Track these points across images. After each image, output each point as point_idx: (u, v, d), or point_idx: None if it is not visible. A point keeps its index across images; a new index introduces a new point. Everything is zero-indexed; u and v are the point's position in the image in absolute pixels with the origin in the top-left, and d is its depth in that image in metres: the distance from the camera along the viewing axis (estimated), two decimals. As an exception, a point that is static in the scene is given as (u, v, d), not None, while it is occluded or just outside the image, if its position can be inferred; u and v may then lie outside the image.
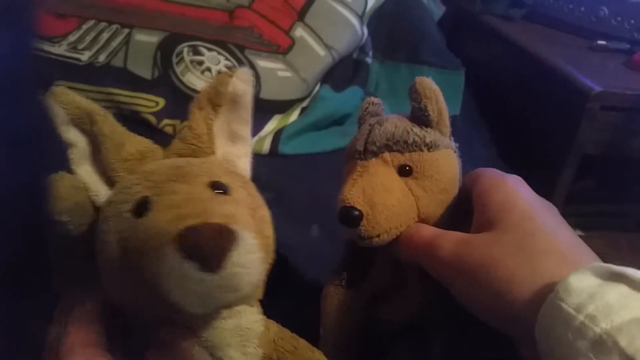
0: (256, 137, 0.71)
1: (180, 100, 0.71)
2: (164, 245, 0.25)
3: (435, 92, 0.37)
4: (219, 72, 0.71)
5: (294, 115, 0.75)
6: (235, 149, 0.37)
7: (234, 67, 0.35)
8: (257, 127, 0.70)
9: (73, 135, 0.32)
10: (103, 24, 0.72)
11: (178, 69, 0.72)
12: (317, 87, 0.77)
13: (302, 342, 0.35)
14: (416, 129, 0.37)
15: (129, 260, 0.28)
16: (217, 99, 0.35)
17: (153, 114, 0.70)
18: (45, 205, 0.21)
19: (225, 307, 0.30)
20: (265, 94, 0.72)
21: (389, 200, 0.36)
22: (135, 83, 0.71)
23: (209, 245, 0.25)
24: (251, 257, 0.27)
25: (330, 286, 0.43)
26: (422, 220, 0.37)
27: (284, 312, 0.37)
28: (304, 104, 0.76)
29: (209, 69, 0.72)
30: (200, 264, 0.25)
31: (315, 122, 0.73)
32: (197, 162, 0.33)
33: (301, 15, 0.75)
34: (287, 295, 0.40)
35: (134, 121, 0.70)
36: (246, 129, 0.37)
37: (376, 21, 0.84)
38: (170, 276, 0.25)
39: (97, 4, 0.73)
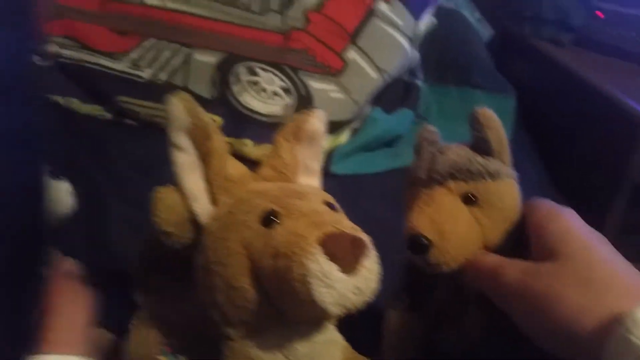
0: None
1: (236, 119, 0.73)
2: (310, 247, 0.28)
3: (497, 122, 0.39)
4: (275, 93, 0.74)
5: (345, 136, 0.77)
6: (308, 180, 0.40)
7: (311, 108, 0.39)
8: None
9: (184, 142, 0.35)
10: (164, 43, 0.75)
11: (235, 89, 0.74)
12: (368, 109, 0.78)
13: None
14: (479, 159, 0.38)
15: (259, 264, 0.31)
16: (297, 134, 0.39)
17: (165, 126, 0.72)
18: (42, 204, 0.21)
19: (327, 320, 0.34)
20: (317, 114, 0.74)
21: (457, 228, 0.37)
22: (195, 101, 0.73)
23: (348, 250, 0.29)
24: (376, 266, 0.30)
25: (391, 310, 0.44)
26: (486, 248, 0.38)
27: (344, 334, 0.38)
28: (355, 124, 0.78)
29: (264, 89, 0.74)
30: (341, 266, 0.28)
31: (366, 143, 0.74)
32: (305, 185, 0.37)
33: (354, 38, 0.77)
34: (346, 318, 0.42)
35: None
36: (318, 164, 0.41)
37: (427, 44, 0.86)
38: (314, 275, 0.28)
39: (159, 22, 0.76)
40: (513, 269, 0.35)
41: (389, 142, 0.77)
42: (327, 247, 0.28)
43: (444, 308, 0.43)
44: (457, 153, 0.39)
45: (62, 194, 0.39)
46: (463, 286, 0.40)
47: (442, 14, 0.90)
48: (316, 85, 0.75)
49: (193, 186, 0.35)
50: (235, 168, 0.37)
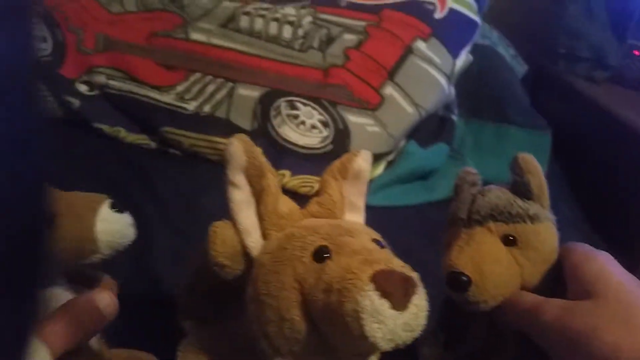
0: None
1: (275, 151, 0.76)
2: (362, 284, 0.30)
3: (537, 167, 0.40)
4: (313, 126, 0.76)
5: (380, 168, 0.78)
6: (352, 217, 0.42)
7: (358, 151, 0.41)
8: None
9: (240, 180, 0.37)
10: (209, 77, 0.79)
11: (275, 122, 0.77)
12: (403, 142, 0.80)
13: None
14: (519, 202, 0.40)
15: (310, 297, 0.32)
16: (343, 172, 0.40)
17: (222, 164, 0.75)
18: (41, 210, 0.21)
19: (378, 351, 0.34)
20: (354, 147, 0.76)
21: (496, 268, 0.38)
22: (236, 133, 0.76)
23: (399, 287, 0.30)
24: (424, 304, 0.31)
25: (426, 347, 0.45)
26: (523, 288, 0.39)
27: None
28: (390, 157, 0.79)
29: (303, 123, 0.77)
30: (391, 303, 0.29)
31: (401, 175, 0.76)
32: (354, 223, 0.38)
33: (391, 75, 0.79)
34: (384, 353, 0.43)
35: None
36: (362, 202, 0.42)
37: (463, 79, 0.87)
38: (367, 310, 0.29)
39: (204, 58, 0.80)
40: (551, 306, 0.36)
41: (423, 176, 0.78)
42: (379, 284, 0.29)
43: (479, 346, 0.44)
44: (498, 196, 0.41)
45: (124, 227, 0.39)
46: (499, 325, 0.41)
47: (478, 51, 0.92)
48: (353, 119, 0.77)
49: (247, 221, 0.37)
50: (286, 204, 0.39)
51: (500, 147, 0.83)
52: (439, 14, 0.85)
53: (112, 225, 0.38)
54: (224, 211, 0.69)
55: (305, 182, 0.73)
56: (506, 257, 0.39)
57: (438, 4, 0.86)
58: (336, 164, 0.41)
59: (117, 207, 0.39)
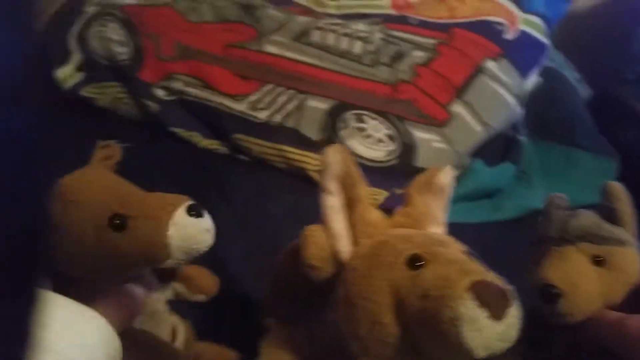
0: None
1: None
2: (461, 293, 0.31)
3: (626, 196, 0.43)
4: (379, 140, 0.78)
5: (445, 185, 0.79)
6: (435, 230, 0.43)
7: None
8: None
9: (335, 188, 0.39)
10: (281, 89, 0.82)
11: (342, 134, 0.79)
12: (469, 160, 0.80)
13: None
14: (608, 226, 0.42)
15: (404, 303, 0.34)
16: (428, 187, 0.42)
17: (318, 172, 0.77)
18: (44, 210, 0.20)
19: None
20: (419, 163, 0.77)
21: (586, 284, 0.40)
22: (304, 143, 0.78)
23: (497, 298, 0.31)
24: (519, 316, 0.32)
25: (507, 358, 0.46)
26: (608, 308, 0.41)
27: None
28: (456, 174, 0.80)
29: (370, 136, 0.78)
30: (489, 312, 0.30)
31: (467, 193, 0.76)
32: (442, 234, 0.40)
33: (460, 93, 0.80)
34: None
35: (299, 177, 0.78)
36: (443, 216, 0.44)
37: (530, 100, 0.87)
38: (465, 319, 0.30)
39: (277, 69, 0.83)
40: (636, 321, 0.37)
41: (488, 195, 0.78)
42: (478, 294, 0.31)
43: (558, 358, 0.45)
44: (589, 219, 0.43)
45: (199, 233, 0.37)
46: (581, 340, 0.42)
47: (545, 73, 0.92)
48: (420, 134, 0.78)
49: (338, 227, 0.39)
50: (375, 214, 0.40)
51: (567, 170, 0.83)
52: (509, 35, 0.86)
53: (186, 230, 0.36)
54: (290, 216, 0.72)
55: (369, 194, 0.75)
56: (595, 275, 0.41)
57: (508, 25, 0.87)
58: (421, 178, 0.43)
59: (195, 210, 0.37)
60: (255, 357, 0.43)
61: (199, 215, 0.37)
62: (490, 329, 0.30)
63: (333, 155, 0.38)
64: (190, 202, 0.38)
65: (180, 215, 0.36)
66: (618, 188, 0.43)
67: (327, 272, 0.39)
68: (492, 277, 0.33)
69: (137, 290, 0.40)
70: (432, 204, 0.42)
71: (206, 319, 0.55)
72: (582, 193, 0.55)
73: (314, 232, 0.38)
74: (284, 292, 0.46)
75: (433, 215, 0.43)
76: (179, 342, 0.44)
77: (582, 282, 0.39)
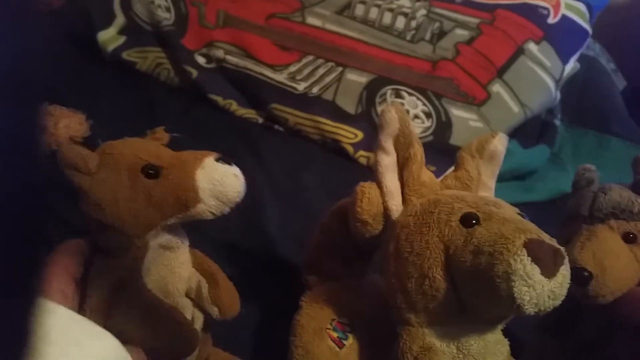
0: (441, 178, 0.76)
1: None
2: (515, 248, 0.32)
3: None
4: (416, 116, 0.78)
5: (478, 164, 0.79)
6: (483, 194, 0.43)
7: (493, 132, 0.42)
8: (442, 170, 0.75)
9: (390, 147, 0.39)
10: (320, 61, 0.82)
11: (379, 108, 0.79)
12: (504, 141, 0.81)
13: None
14: None
15: (456, 258, 0.35)
16: (480, 152, 0.43)
17: (351, 144, 0.78)
18: (42, 207, 0.20)
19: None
20: (455, 141, 0.77)
21: (617, 264, 0.40)
22: (340, 115, 0.79)
23: (550, 256, 0.32)
24: (568, 274, 0.33)
25: (535, 337, 0.47)
26: None
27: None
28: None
29: (407, 112, 0.79)
30: (542, 269, 0.31)
31: (500, 173, 0.76)
32: (492, 196, 0.40)
33: (500, 73, 0.80)
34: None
35: (333, 149, 0.79)
36: (493, 182, 0.44)
37: (567, 86, 0.87)
38: (519, 273, 0.31)
39: (318, 41, 0.83)
40: None
41: (521, 176, 0.79)
42: (532, 251, 0.31)
43: (588, 337, 0.45)
44: (620, 194, 0.42)
45: (225, 176, 0.39)
46: (612, 318, 0.42)
47: (583, 60, 0.92)
48: (457, 112, 0.78)
49: (391, 184, 0.40)
50: (427, 174, 0.41)
51: (599, 156, 0.83)
52: (552, 19, 0.86)
53: (213, 173, 0.38)
54: (322, 187, 0.72)
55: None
56: (627, 253, 0.41)
57: (552, 9, 0.86)
58: (474, 142, 0.43)
59: (224, 160, 0.39)
60: (295, 312, 0.45)
61: (227, 163, 0.39)
62: (542, 286, 0.31)
63: (390, 114, 0.39)
64: (219, 155, 0.40)
65: (208, 161, 0.39)
66: None
67: (376, 229, 0.40)
68: (545, 236, 0.33)
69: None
70: (483, 170, 0.43)
71: (246, 277, 0.56)
72: (614, 179, 0.55)
73: (367, 189, 0.39)
74: (326, 250, 0.47)
75: (483, 180, 0.43)
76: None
77: (613, 263, 0.39)
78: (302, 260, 0.49)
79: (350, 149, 0.78)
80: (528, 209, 0.74)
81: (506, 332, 0.39)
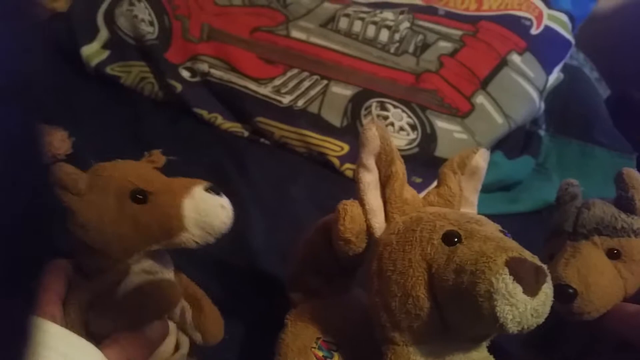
0: (425, 192, 0.76)
1: (363, 148, 0.78)
2: (497, 267, 0.31)
3: None
4: (401, 128, 0.78)
5: (463, 176, 0.79)
6: (465, 210, 0.43)
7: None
8: (428, 182, 0.75)
9: (371, 164, 0.39)
10: (305, 74, 0.82)
11: (364, 121, 0.79)
12: (489, 152, 0.81)
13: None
14: (623, 216, 0.42)
15: (438, 277, 0.35)
16: (462, 167, 0.43)
17: (337, 157, 0.78)
18: (40, 209, 0.20)
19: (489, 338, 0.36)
20: (440, 153, 0.78)
21: (601, 281, 0.40)
22: (326, 128, 0.79)
23: (532, 274, 0.32)
24: (551, 292, 0.33)
25: (522, 353, 0.47)
26: (625, 300, 0.41)
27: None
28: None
29: (392, 124, 0.79)
30: (524, 287, 0.31)
31: (485, 184, 0.76)
32: (474, 213, 0.40)
33: (484, 85, 0.80)
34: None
35: (319, 162, 0.79)
36: (475, 197, 0.44)
37: (551, 96, 0.88)
38: (501, 292, 0.31)
39: (302, 55, 0.83)
40: None
41: (506, 187, 0.79)
42: (514, 269, 0.31)
43: (574, 352, 0.45)
44: (603, 210, 0.42)
45: (213, 207, 0.38)
46: (598, 334, 0.42)
47: (566, 70, 0.93)
48: (442, 124, 0.79)
49: (374, 202, 0.40)
50: (409, 191, 0.41)
51: (584, 166, 0.83)
52: (535, 30, 0.86)
53: (200, 203, 0.38)
54: (309, 200, 0.72)
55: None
56: (611, 270, 0.41)
57: (535, 20, 0.87)
58: (455, 158, 0.43)
59: (212, 189, 0.39)
60: (280, 330, 0.44)
61: (216, 193, 0.39)
62: (524, 304, 0.31)
63: (371, 132, 0.39)
64: (210, 184, 0.39)
65: (197, 190, 0.38)
66: (633, 175, 0.42)
67: (359, 247, 0.40)
68: (527, 254, 0.33)
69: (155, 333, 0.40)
70: (465, 185, 0.43)
71: (231, 294, 0.56)
72: (599, 188, 0.55)
73: (350, 207, 0.39)
74: (311, 267, 0.47)
75: (465, 196, 0.43)
76: (180, 355, 0.45)
77: (598, 280, 0.39)
78: (286, 277, 0.49)
79: (336, 161, 0.78)
80: (513, 220, 0.75)
81: (494, 347, 0.39)
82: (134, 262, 0.40)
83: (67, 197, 0.38)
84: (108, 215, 0.38)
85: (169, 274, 0.43)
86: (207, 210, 0.38)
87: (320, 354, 0.42)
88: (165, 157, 0.45)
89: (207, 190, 0.39)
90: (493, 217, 0.74)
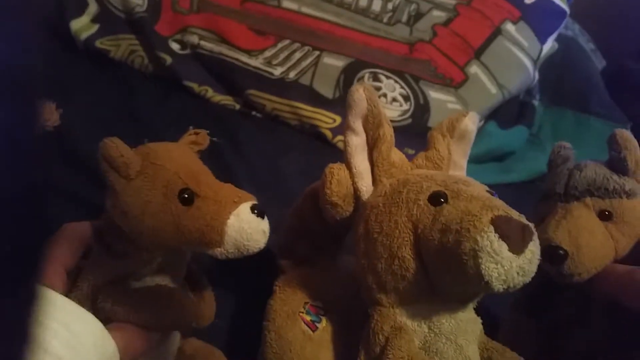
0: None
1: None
2: (482, 225, 0.31)
3: (634, 144, 0.41)
4: (394, 99, 0.78)
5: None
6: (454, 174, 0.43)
7: (464, 111, 0.42)
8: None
9: (358, 126, 0.39)
10: (297, 45, 0.81)
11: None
12: (482, 122, 0.80)
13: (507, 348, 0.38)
14: (615, 177, 0.41)
15: (424, 237, 0.34)
16: (451, 131, 0.42)
17: (330, 129, 0.77)
18: (41, 208, 0.20)
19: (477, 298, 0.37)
20: (433, 123, 0.77)
21: (592, 242, 0.39)
22: (318, 100, 0.78)
23: (518, 232, 0.31)
24: (538, 252, 0.32)
25: (510, 314, 0.46)
26: (616, 261, 0.41)
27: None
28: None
29: (385, 95, 0.78)
30: (510, 245, 0.30)
31: (478, 155, 0.76)
32: (462, 175, 0.40)
33: (478, 54, 0.79)
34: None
35: (311, 134, 0.78)
36: (464, 161, 0.44)
37: (545, 66, 0.87)
38: (486, 250, 0.30)
39: (294, 25, 0.82)
40: None
41: (499, 157, 0.78)
42: (499, 227, 0.31)
43: (565, 314, 0.45)
44: (595, 171, 0.42)
45: (255, 232, 0.37)
46: (588, 295, 0.42)
47: (561, 41, 0.92)
48: (435, 95, 0.78)
49: (361, 165, 0.39)
50: (397, 154, 0.40)
51: (578, 136, 0.83)
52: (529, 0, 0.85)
53: (245, 226, 0.36)
54: (301, 172, 0.72)
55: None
56: (602, 231, 0.40)
57: (529, -12, 0.86)
58: (445, 122, 0.43)
59: (258, 210, 0.37)
60: (270, 297, 0.44)
61: (260, 215, 0.38)
62: (510, 262, 0.31)
63: (358, 93, 0.38)
64: (255, 202, 0.38)
65: (244, 209, 0.37)
66: (626, 136, 0.41)
67: (346, 210, 0.39)
68: (514, 213, 0.33)
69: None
70: (454, 149, 0.43)
71: (223, 264, 0.56)
72: (594, 158, 0.55)
73: (336, 170, 0.39)
74: (299, 234, 0.46)
75: (454, 160, 0.43)
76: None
77: (589, 241, 0.39)
78: (276, 245, 0.48)
79: (329, 133, 0.77)
80: (507, 190, 0.75)
81: (483, 310, 0.39)
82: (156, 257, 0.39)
83: (113, 177, 0.36)
84: (151, 208, 0.36)
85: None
86: (249, 235, 0.37)
87: (308, 318, 0.42)
88: (210, 138, 0.44)
89: (252, 209, 0.37)
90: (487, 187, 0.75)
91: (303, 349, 0.40)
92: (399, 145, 0.73)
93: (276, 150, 0.76)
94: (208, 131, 0.45)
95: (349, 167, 0.39)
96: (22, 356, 0.20)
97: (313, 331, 0.41)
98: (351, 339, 0.40)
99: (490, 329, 0.40)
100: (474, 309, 0.38)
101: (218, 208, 0.36)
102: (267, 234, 0.38)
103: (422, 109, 0.77)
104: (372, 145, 0.39)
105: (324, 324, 0.41)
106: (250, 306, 0.45)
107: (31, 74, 0.19)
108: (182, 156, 0.39)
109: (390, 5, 0.83)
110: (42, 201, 0.20)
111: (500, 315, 0.48)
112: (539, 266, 0.39)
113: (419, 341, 0.36)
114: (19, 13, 0.18)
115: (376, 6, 0.83)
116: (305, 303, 0.42)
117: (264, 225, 0.38)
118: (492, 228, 0.31)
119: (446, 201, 0.35)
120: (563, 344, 0.44)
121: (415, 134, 0.75)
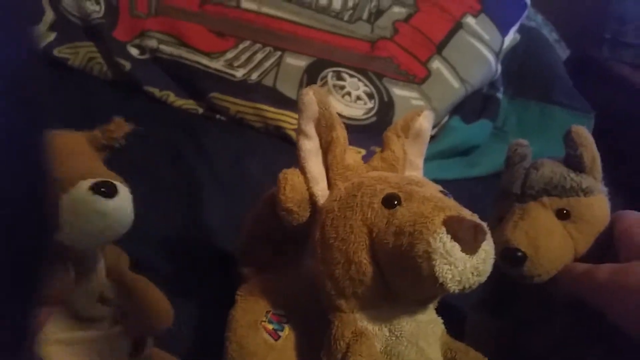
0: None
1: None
2: (434, 227, 0.31)
3: (590, 140, 0.41)
4: (358, 97, 0.77)
5: (423, 142, 0.79)
6: (411, 174, 0.43)
7: (423, 107, 0.42)
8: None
9: (310, 130, 0.38)
10: (258, 45, 0.80)
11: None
12: (446, 118, 0.80)
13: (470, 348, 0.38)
14: (572, 175, 0.41)
15: (379, 241, 0.34)
16: (406, 131, 0.42)
17: (295, 130, 0.76)
18: (41, 208, 0.20)
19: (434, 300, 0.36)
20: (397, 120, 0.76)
21: (551, 243, 0.39)
22: (282, 101, 0.77)
23: (471, 232, 0.31)
24: (492, 251, 0.32)
25: (474, 314, 0.46)
26: (576, 259, 0.40)
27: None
28: (432, 132, 0.80)
29: (349, 93, 0.78)
30: (462, 246, 0.30)
31: (443, 150, 0.77)
32: (418, 176, 0.40)
33: (439, 49, 0.79)
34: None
35: (276, 135, 0.77)
36: (420, 160, 0.44)
37: (508, 58, 0.87)
38: (439, 252, 0.30)
39: (254, 26, 0.81)
40: (604, 269, 0.37)
41: (464, 151, 0.79)
42: (451, 228, 0.31)
43: (527, 312, 0.45)
44: (552, 170, 0.41)
45: (91, 212, 0.34)
46: (550, 295, 0.42)
47: (524, 32, 0.92)
48: (398, 92, 0.78)
49: (315, 170, 0.38)
50: (352, 157, 0.40)
51: (543, 126, 0.83)
52: (489, -8, 0.85)
53: (80, 205, 0.34)
54: (267, 175, 0.70)
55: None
56: (560, 231, 0.40)
57: (488, -19, 0.86)
58: (399, 121, 0.43)
59: (105, 188, 0.34)
60: (232, 306, 0.43)
61: (106, 195, 0.34)
62: (463, 263, 0.31)
63: (308, 96, 0.37)
64: (104, 180, 0.35)
65: (80, 188, 0.34)
66: (582, 132, 0.41)
67: (303, 216, 0.39)
68: (466, 213, 0.33)
69: None
70: (409, 148, 0.42)
71: (186, 272, 0.55)
72: (559, 149, 0.55)
73: (290, 175, 0.38)
74: (260, 240, 0.46)
75: (410, 159, 0.42)
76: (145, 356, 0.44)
77: (547, 242, 0.39)
78: (236, 252, 0.47)
79: (294, 135, 0.76)
80: (473, 184, 0.75)
81: (444, 308, 0.38)
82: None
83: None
84: None
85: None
86: (86, 215, 0.35)
87: (271, 327, 0.41)
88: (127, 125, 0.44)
89: (97, 188, 0.35)
90: (452, 182, 0.75)
91: (265, 359, 0.39)
92: (365, 144, 0.74)
93: (241, 153, 0.75)
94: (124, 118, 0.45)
95: (303, 172, 0.38)
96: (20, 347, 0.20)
97: (275, 340, 0.40)
98: (315, 345, 0.40)
99: (456, 328, 0.39)
100: (435, 309, 0.38)
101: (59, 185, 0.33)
102: (114, 216, 0.35)
103: (386, 107, 0.77)
104: (326, 149, 0.39)
105: (286, 332, 0.41)
106: (216, 318, 0.44)
107: (31, 74, 0.19)
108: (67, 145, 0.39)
109: (350, 3, 0.82)
110: (42, 201, 0.20)
111: (464, 313, 0.48)
112: (499, 266, 0.39)
113: (380, 345, 0.36)
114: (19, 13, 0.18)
115: (337, 4, 0.82)
116: (267, 312, 0.42)
117: (104, 205, 0.34)
118: (444, 229, 0.31)
119: (399, 203, 0.34)
120: (525, 342, 0.44)
121: (380, 131, 0.74)
